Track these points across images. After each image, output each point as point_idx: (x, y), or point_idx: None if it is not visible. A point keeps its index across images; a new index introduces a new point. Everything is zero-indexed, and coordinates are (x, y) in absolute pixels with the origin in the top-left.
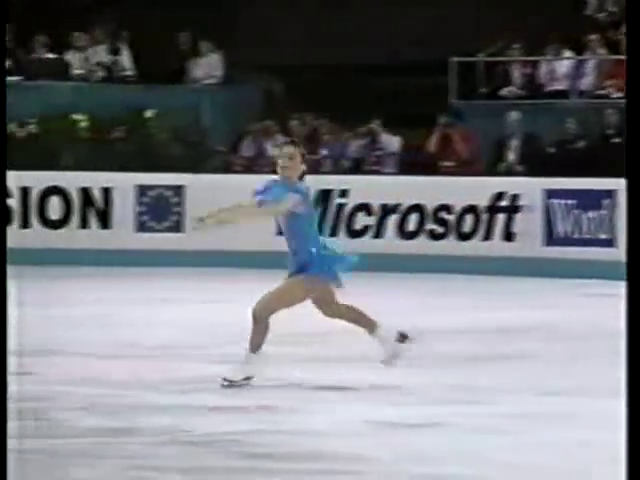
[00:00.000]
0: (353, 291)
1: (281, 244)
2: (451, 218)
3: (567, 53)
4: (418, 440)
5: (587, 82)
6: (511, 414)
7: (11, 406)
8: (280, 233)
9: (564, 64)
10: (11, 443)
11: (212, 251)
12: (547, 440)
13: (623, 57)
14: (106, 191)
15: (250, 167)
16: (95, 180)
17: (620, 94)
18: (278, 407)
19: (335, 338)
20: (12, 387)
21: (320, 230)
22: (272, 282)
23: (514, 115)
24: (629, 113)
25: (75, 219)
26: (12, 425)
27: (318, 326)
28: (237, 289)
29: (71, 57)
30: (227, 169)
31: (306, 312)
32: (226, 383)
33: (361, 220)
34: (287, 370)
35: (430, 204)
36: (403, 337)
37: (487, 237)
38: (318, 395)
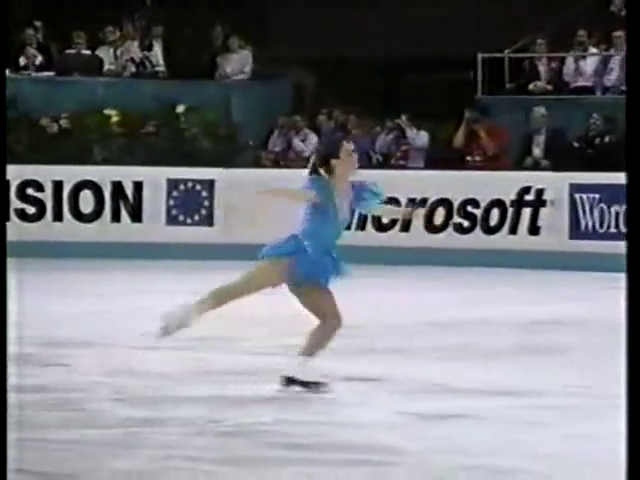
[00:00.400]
0: (381, 283)
1: None
2: (478, 212)
3: (593, 49)
4: (452, 432)
5: (613, 78)
6: (545, 406)
7: (45, 397)
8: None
9: (590, 60)
10: (45, 433)
11: (242, 244)
12: (582, 432)
13: None
14: (137, 185)
15: (278, 162)
16: (127, 174)
17: None
18: (308, 398)
19: (367, 330)
20: (45, 378)
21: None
22: None
23: (540, 110)
24: (629, 112)
25: (107, 212)
26: (46, 415)
27: (347, 318)
28: None
29: (103, 53)
30: (257, 164)
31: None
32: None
33: None
34: (317, 362)
35: (457, 198)
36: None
37: (513, 231)
38: (348, 387)
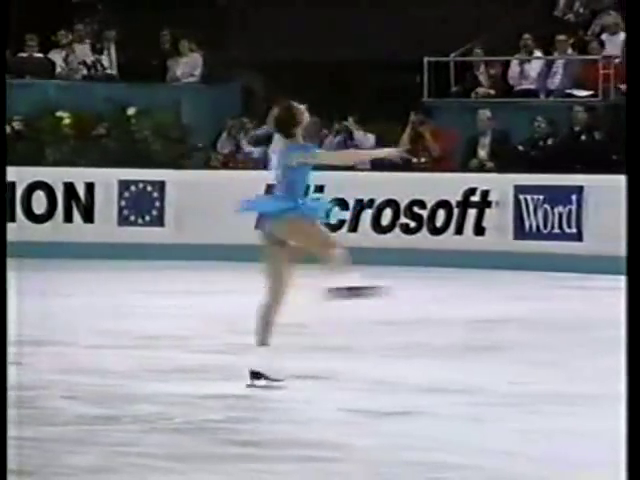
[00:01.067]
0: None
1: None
2: (424, 213)
3: (537, 53)
4: (402, 429)
5: (556, 81)
6: (490, 403)
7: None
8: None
9: (534, 64)
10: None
11: (192, 244)
12: (530, 428)
13: (591, 57)
14: (89, 186)
15: (227, 163)
16: (79, 175)
17: (587, 93)
18: (258, 396)
19: (315, 328)
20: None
21: None
22: (252, 275)
23: (485, 113)
24: (629, 112)
25: (59, 213)
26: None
27: (297, 316)
28: (216, 281)
29: (55, 56)
30: (207, 165)
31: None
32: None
33: (337, 215)
34: (267, 360)
35: (404, 199)
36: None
37: (459, 231)
38: (297, 384)
